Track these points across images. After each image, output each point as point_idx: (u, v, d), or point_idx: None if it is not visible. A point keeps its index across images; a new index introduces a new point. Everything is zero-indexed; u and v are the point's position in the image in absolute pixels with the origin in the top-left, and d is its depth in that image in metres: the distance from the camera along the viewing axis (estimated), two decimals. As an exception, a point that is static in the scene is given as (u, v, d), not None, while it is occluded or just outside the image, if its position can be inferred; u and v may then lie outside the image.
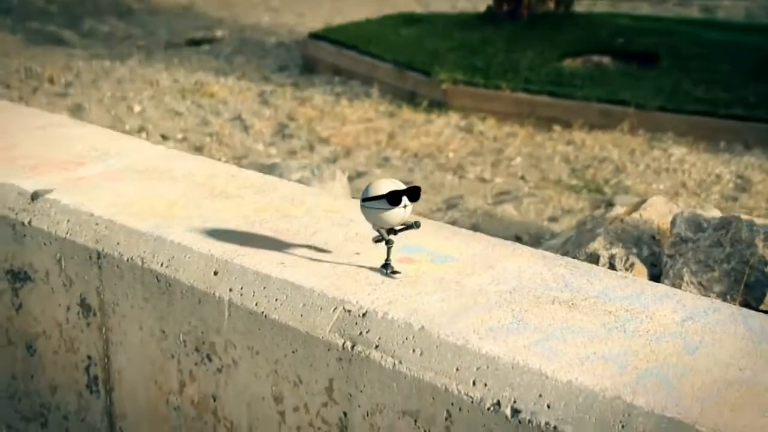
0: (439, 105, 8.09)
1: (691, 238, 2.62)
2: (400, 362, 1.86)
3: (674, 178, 6.27)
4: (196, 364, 2.21)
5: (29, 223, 2.49)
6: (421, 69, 8.56)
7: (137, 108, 8.31)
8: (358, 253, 2.19)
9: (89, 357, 2.44)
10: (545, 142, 7.11)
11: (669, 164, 6.53)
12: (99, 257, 2.35)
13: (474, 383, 1.78)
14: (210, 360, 2.18)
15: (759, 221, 2.54)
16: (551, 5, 10.50)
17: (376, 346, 1.90)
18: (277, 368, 2.06)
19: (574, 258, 2.79)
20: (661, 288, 2.04)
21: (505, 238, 3.52)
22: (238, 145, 7.21)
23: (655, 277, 2.67)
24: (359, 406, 1.94)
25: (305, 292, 2.04)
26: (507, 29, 9.89)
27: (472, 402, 1.77)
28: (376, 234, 2.07)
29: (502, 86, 7.92)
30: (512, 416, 1.71)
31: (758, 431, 1.55)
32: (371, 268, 2.12)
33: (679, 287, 2.59)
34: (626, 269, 2.64)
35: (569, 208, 5.64)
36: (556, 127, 7.42)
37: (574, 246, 2.85)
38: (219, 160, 6.69)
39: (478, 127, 7.56)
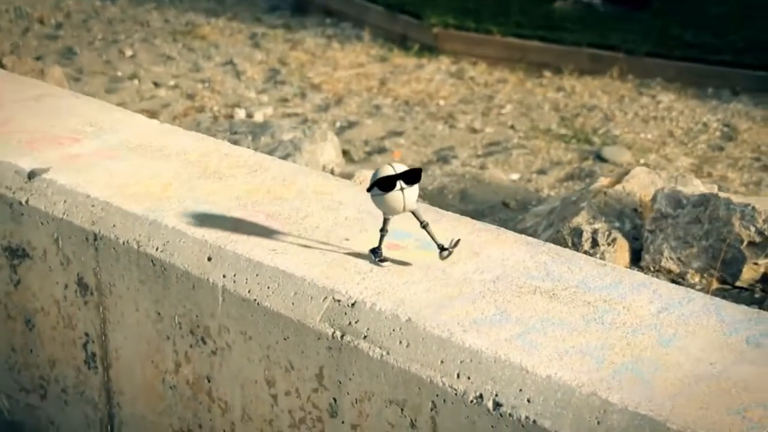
0: (430, 49, 8.11)
1: (671, 215, 2.70)
2: (388, 353, 1.94)
3: (662, 126, 6.33)
4: (191, 346, 2.29)
5: (26, 202, 2.56)
6: (412, 12, 8.56)
7: (129, 52, 8.32)
8: (347, 239, 2.26)
9: (87, 334, 2.52)
10: (535, 89, 7.15)
11: (657, 112, 6.59)
12: (95, 239, 2.42)
13: (458, 376, 1.86)
14: (204, 343, 2.26)
15: (736, 199, 2.61)
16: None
17: (365, 337, 1.98)
18: (269, 353, 2.14)
19: (558, 232, 2.88)
20: (639, 277, 2.11)
21: (493, 203, 3.62)
22: (230, 92, 7.25)
23: (637, 251, 2.75)
24: (348, 393, 2.02)
25: (296, 281, 2.11)
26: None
27: (455, 394, 1.85)
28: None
29: (493, 31, 7.93)
30: (494, 409, 1.80)
31: (725, 429, 1.63)
32: (360, 255, 2.18)
33: (660, 262, 2.67)
34: (608, 244, 2.71)
35: (558, 160, 5.70)
36: (547, 73, 7.47)
37: (559, 218, 2.92)
38: (211, 109, 6.74)
39: (468, 72, 7.59)
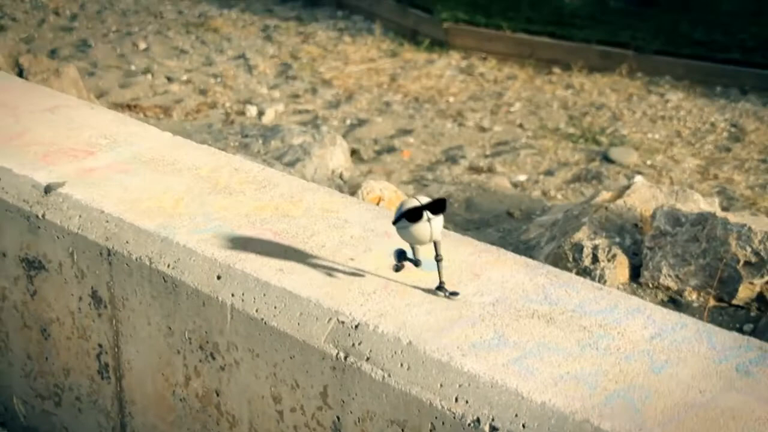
0: (440, 44, 8.16)
1: (669, 232, 2.76)
2: (389, 375, 2.02)
3: (669, 126, 6.38)
4: (200, 360, 2.37)
5: (43, 216, 2.63)
6: (422, 6, 8.61)
7: (142, 45, 8.39)
8: (352, 259, 2.33)
9: (100, 345, 2.60)
10: (544, 86, 7.20)
11: (665, 111, 6.63)
12: (109, 254, 2.49)
13: (456, 399, 1.93)
14: (213, 358, 2.33)
15: (733, 219, 2.67)
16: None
17: (367, 358, 2.05)
18: (275, 371, 2.21)
19: (560, 247, 2.94)
20: (634, 301, 2.18)
21: (498, 213, 3.69)
22: (242, 87, 7.31)
23: (637, 267, 2.81)
24: (351, 412, 2.09)
25: (302, 302, 2.18)
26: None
27: (454, 417, 1.92)
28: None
29: (503, 26, 7.98)
30: (490, 433, 1.87)
31: (712, 457, 1.70)
32: (364, 275, 2.26)
33: (658, 279, 2.73)
34: (608, 260, 2.78)
35: (565, 161, 5.76)
36: (556, 69, 7.52)
37: (561, 232, 2.99)
38: (223, 105, 6.81)
39: (478, 68, 7.65)
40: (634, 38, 7.57)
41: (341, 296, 2.19)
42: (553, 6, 8.52)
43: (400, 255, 2.19)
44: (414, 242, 2.11)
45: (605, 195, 3.05)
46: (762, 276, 2.62)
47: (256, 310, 2.22)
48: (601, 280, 2.75)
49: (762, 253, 2.61)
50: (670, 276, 2.72)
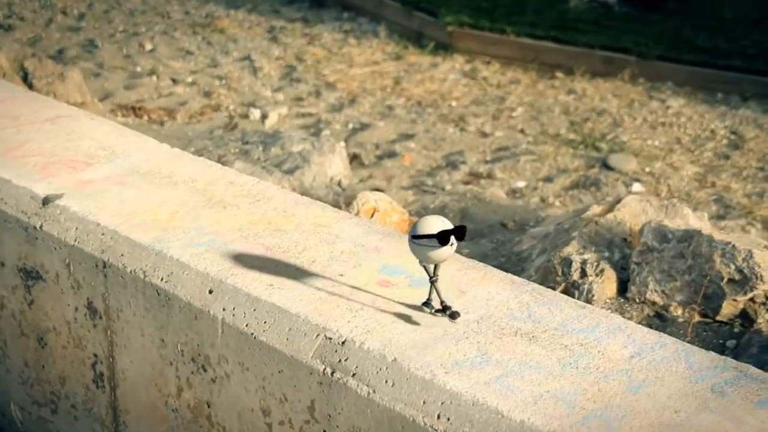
0: (444, 47, 8.21)
1: (656, 248, 2.81)
2: (374, 391, 2.07)
3: (669, 133, 6.41)
4: (192, 372, 2.42)
5: (40, 227, 2.69)
6: (427, 9, 8.65)
7: (148, 46, 8.44)
8: (341, 274, 2.38)
9: (95, 355, 2.66)
10: (547, 91, 7.24)
11: (666, 117, 6.67)
12: (105, 266, 2.55)
13: (438, 417, 1.98)
14: (205, 370, 2.39)
15: (718, 236, 2.72)
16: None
17: (353, 374, 2.10)
18: (264, 385, 2.26)
19: (549, 261, 2.99)
20: (616, 320, 2.22)
21: (492, 223, 3.73)
22: (246, 90, 7.36)
23: (624, 281, 2.86)
24: (337, 427, 2.14)
25: (291, 317, 2.23)
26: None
27: (436, 434, 1.97)
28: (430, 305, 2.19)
29: (507, 30, 8.02)
30: (470, 450, 1.92)
31: (683, 478, 1.75)
32: (352, 291, 2.30)
33: (645, 294, 2.78)
34: (596, 275, 2.82)
35: (564, 167, 5.80)
36: (559, 74, 7.55)
37: (552, 246, 3.03)
38: (227, 108, 6.86)
39: (482, 72, 7.69)
40: (636, 44, 7.61)
41: (329, 312, 2.24)
42: (557, 11, 8.56)
43: (446, 309, 2.18)
44: (427, 261, 2.12)
45: (596, 209, 3.10)
46: (745, 293, 2.67)
47: (246, 325, 2.27)
48: (589, 294, 2.80)
49: (745, 271, 2.66)
50: (656, 291, 2.77)
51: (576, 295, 2.83)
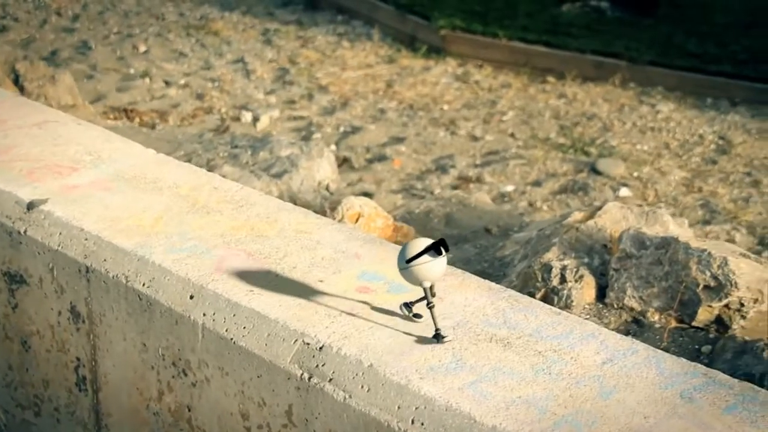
0: (437, 51, 8.24)
1: (634, 255, 2.84)
2: (350, 396, 2.10)
3: (658, 138, 6.45)
4: (173, 376, 2.45)
5: (25, 232, 2.72)
6: (421, 13, 8.68)
7: (142, 48, 8.47)
8: (321, 281, 2.41)
9: (78, 359, 2.69)
10: (538, 95, 7.28)
11: (655, 122, 6.71)
12: (87, 271, 2.58)
13: (412, 422, 2.01)
14: (186, 375, 2.42)
15: (694, 244, 2.75)
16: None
17: (330, 380, 2.13)
18: (243, 389, 2.29)
19: (530, 267, 3.02)
20: (589, 327, 2.26)
21: (476, 229, 3.76)
22: (239, 92, 7.39)
23: (603, 287, 2.89)
24: (315, 431, 2.18)
25: (270, 323, 2.26)
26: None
27: (410, 439, 2.00)
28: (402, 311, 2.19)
29: (499, 34, 8.05)
30: (443, 455, 1.95)
31: (650, 483, 1.78)
32: (331, 298, 2.33)
33: (623, 300, 2.81)
34: (575, 281, 2.86)
35: (553, 172, 5.84)
36: (550, 78, 7.59)
37: (533, 252, 3.07)
38: (219, 110, 6.89)
39: (474, 76, 7.73)
40: (628, 48, 7.65)
41: (308, 318, 2.27)
42: (549, 15, 8.60)
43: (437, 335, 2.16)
44: (430, 278, 2.11)
45: (577, 215, 3.13)
46: (720, 300, 2.70)
47: (226, 330, 2.30)
48: (568, 300, 2.83)
49: (720, 278, 2.69)
50: (634, 297, 2.80)
51: (555, 301, 2.86)
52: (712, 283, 2.70)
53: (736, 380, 2.06)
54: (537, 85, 7.47)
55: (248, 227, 2.66)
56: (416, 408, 2.02)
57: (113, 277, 2.51)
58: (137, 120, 6.45)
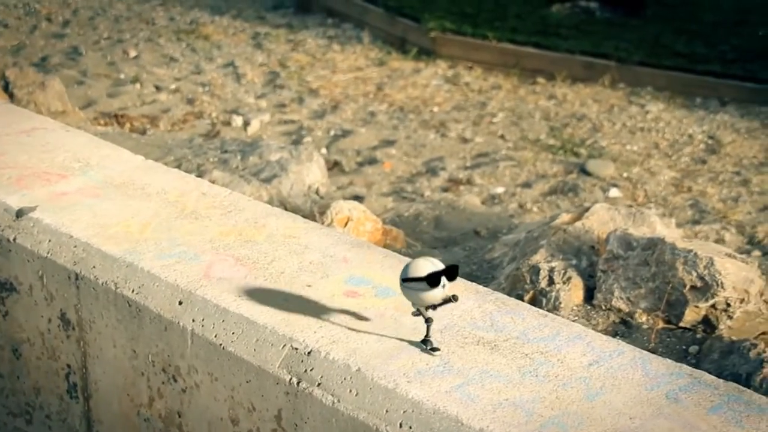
0: (427, 53, 8.25)
1: (622, 256, 2.86)
2: (339, 401, 2.11)
3: (648, 138, 6.47)
4: (163, 383, 2.46)
5: (14, 240, 2.73)
6: (411, 15, 8.69)
7: (133, 53, 8.46)
8: (309, 285, 2.43)
9: (69, 366, 2.70)
10: (528, 96, 7.29)
11: (645, 123, 6.72)
12: (77, 278, 2.59)
13: (400, 425, 2.03)
14: (175, 381, 2.43)
15: (680, 245, 2.77)
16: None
17: (319, 384, 2.15)
18: (233, 394, 2.31)
19: (518, 269, 3.03)
20: (576, 329, 2.27)
21: (466, 231, 3.77)
22: (230, 96, 7.40)
23: (591, 288, 2.90)
24: (303, 435, 2.19)
25: (258, 328, 2.27)
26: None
27: (397, 442, 2.02)
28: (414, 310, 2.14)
29: (489, 36, 8.07)
30: (430, 458, 1.96)
31: (636, 484, 1.80)
32: (319, 302, 2.35)
33: (610, 301, 2.83)
34: (563, 282, 2.87)
35: (543, 173, 5.85)
36: (540, 79, 7.60)
37: (521, 254, 3.08)
38: (210, 115, 6.90)
39: (464, 78, 7.74)
40: (617, 49, 7.66)
41: (296, 323, 2.28)
42: (539, 16, 8.61)
43: (426, 342, 2.16)
44: (421, 303, 2.10)
45: (564, 217, 3.15)
46: (706, 300, 2.72)
47: (215, 336, 2.31)
48: (557, 301, 2.85)
49: (706, 278, 2.71)
50: (621, 298, 2.81)
51: (543, 303, 2.87)
52: (699, 284, 2.72)
53: (721, 381, 2.08)
54: (527, 87, 7.49)
55: (236, 232, 2.67)
56: (404, 411, 2.03)
57: (102, 283, 2.52)
58: (128, 125, 6.45)
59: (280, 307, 2.34)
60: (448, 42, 8.26)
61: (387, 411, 2.05)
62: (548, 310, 2.78)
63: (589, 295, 2.90)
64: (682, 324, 2.76)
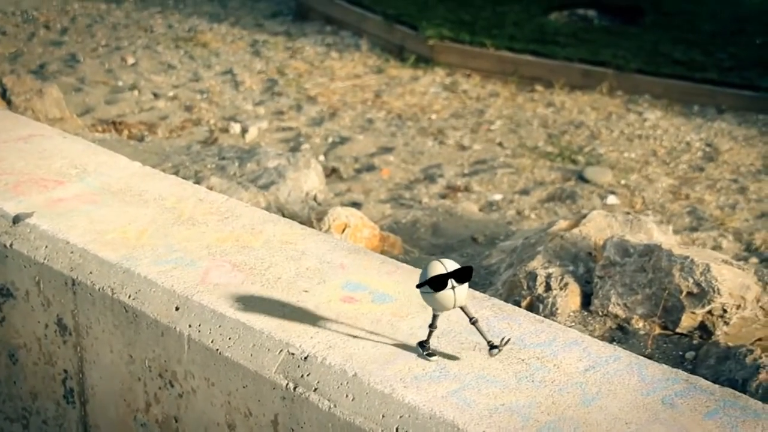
0: (425, 61, 8.26)
1: (618, 262, 2.86)
2: (335, 405, 2.11)
3: (646, 145, 6.48)
4: (159, 388, 2.46)
5: (11, 245, 2.73)
6: (409, 23, 8.70)
7: (131, 60, 8.47)
8: (306, 291, 2.43)
9: (65, 371, 2.70)
10: (526, 104, 7.30)
11: (642, 130, 6.73)
12: (74, 284, 2.59)
13: (397, 430, 2.03)
14: (172, 386, 2.43)
15: (677, 251, 2.77)
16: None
17: (315, 389, 2.15)
18: (230, 399, 2.31)
19: (515, 275, 3.04)
20: (572, 334, 2.27)
21: (463, 238, 3.78)
22: (228, 103, 7.41)
23: (588, 294, 2.90)
24: (300, 440, 2.19)
25: (255, 333, 2.28)
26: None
27: (394, 447, 2.02)
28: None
29: (487, 44, 8.08)
30: (427, 463, 1.96)
31: (632, 489, 1.80)
32: (316, 308, 2.35)
33: (607, 308, 2.83)
34: (560, 288, 2.87)
35: (541, 180, 5.86)
36: (538, 87, 7.61)
37: (518, 260, 3.08)
38: (208, 122, 6.90)
39: (462, 85, 7.75)
40: (615, 57, 7.68)
41: (293, 328, 2.28)
42: (536, 24, 8.63)
43: (422, 346, 2.16)
44: (437, 308, 2.10)
45: (562, 224, 3.15)
46: (703, 306, 2.72)
47: (212, 341, 2.31)
48: (553, 307, 2.85)
49: (703, 285, 2.71)
50: (618, 304, 2.82)
51: (540, 309, 2.88)
52: (695, 290, 2.72)
53: (717, 386, 2.08)
54: (525, 94, 7.50)
55: (233, 239, 2.67)
56: (400, 416, 2.03)
57: (99, 289, 2.52)
58: (125, 132, 6.45)
59: (276, 312, 2.34)
60: (446, 49, 8.27)
61: (383, 416, 2.05)
62: (545, 316, 2.79)
63: (586, 302, 2.90)
64: (678, 330, 2.76)
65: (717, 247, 4.67)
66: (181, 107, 7.32)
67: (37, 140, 3.29)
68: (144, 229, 2.71)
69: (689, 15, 8.70)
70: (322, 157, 6.27)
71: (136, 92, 7.60)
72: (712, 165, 6.13)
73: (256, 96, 7.62)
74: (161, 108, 7.28)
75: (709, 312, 2.73)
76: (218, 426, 2.35)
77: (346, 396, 2.11)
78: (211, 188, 3.67)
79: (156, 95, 7.57)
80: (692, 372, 2.40)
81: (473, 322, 2.13)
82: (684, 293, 2.72)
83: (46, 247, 2.67)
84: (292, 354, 2.21)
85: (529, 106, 7.25)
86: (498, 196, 5.58)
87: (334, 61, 8.47)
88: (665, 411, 2.01)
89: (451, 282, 2.05)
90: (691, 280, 2.71)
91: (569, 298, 2.88)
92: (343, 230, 3.40)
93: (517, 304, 2.92)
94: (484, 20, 8.72)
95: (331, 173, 5.88)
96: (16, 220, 2.76)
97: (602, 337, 2.73)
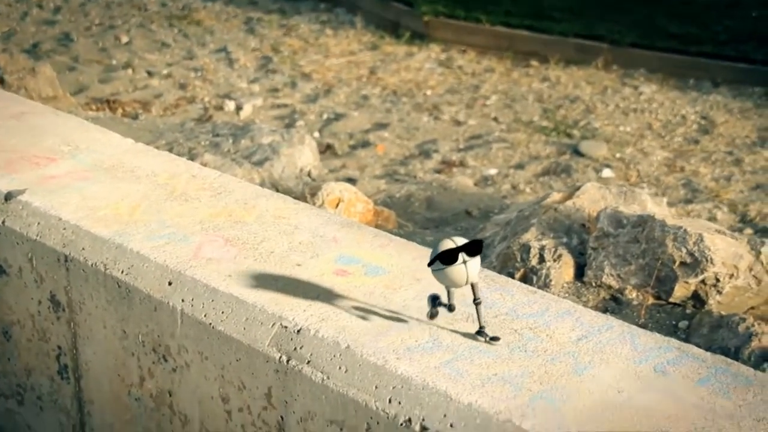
0: (420, 37, 8.24)
1: (612, 233, 2.86)
2: (328, 378, 2.11)
3: (641, 119, 6.47)
4: (153, 362, 2.46)
5: (3, 222, 2.72)
6: (403, -1, 8.69)
7: (124, 39, 8.45)
8: (299, 264, 2.42)
9: (59, 347, 2.70)
10: (521, 79, 7.29)
11: (638, 104, 6.73)
12: (66, 260, 2.58)
13: (390, 401, 2.03)
14: (166, 360, 2.43)
15: (670, 221, 2.77)
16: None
17: (308, 362, 2.15)
18: (223, 373, 2.31)
19: (509, 248, 3.04)
20: (564, 304, 2.27)
21: (457, 211, 3.78)
22: (222, 81, 7.39)
23: (582, 266, 2.91)
24: (294, 412, 2.19)
25: (248, 307, 2.27)
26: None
27: (387, 418, 2.02)
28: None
29: (482, 19, 8.06)
30: (420, 433, 1.97)
31: (624, 456, 1.80)
32: (308, 281, 2.35)
33: (601, 278, 2.83)
34: (554, 260, 2.87)
35: (536, 154, 5.86)
36: (534, 62, 7.60)
37: (512, 233, 3.08)
38: (202, 99, 6.89)
39: (457, 61, 7.73)
40: (610, 31, 7.66)
41: (285, 301, 2.28)
42: (531, -1, 8.61)
43: (434, 300, 2.14)
44: (449, 285, 2.07)
45: (555, 196, 3.15)
46: (696, 276, 2.72)
47: (205, 315, 2.31)
48: (547, 279, 2.85)
49: (696, 254, 2.71)
50: (611, 275, 2.82)
51: (534, 281, 2.88)
52: (688, 260, 2.72)
53: (709, 353, 2.08)
54: (520, 69, 7.49)
55: (226, 214, 2.67)
56: (393, 387, 2.03)
57: (92, 265, 2.52)
58: (119, 111, 6.44)
59: (269, 286, 2.34)
60: (441, 26, 8.25)
61: (376, 387, 2.05)
62: (539, 288, 2.79)
63: (580, 273, 2.90)
64: (671, 300, 2.77)
65: (712, 219, 4.68)
66: (176, 85, 7.30)
67: (29, 118, 3.28)
68: (136, 205, 2.71)
69: (684, -12, 8.67)
70: (317, 134, 6.26)
71: (129, 71, 7.59)
72: (707, 138, 6.13)
73: (251, 73, 7.60)
74: (155, 86, 7.27)
75: (702, 281, 2.73)
76: (212, 399, 2.36)
77: (339, 368, 2.11)
78: (204, 165, 3.66)
79: (150, 73, 7.56)
80: (685, 341, 2.40)
81: (477, 302, 2.11)
82: (677, 263, 2.72)
83: (39, 223, 2.66)
84: (285, 327, 2.21)
85: (525, 81, 7.24)
86: (493, 171, 5.58)
87: (329, 38, 8.45)
88: (657, 378, 2.01)
89: (462, 256, 2.01)
90: (684, 250, 2.71)
91: (563, 270, 2.88)
92: (337, 205, 3.40)
93: (511, 276, 2.92)
94: (479, -6, 8.70)
95: (326, 150, 5.88)
96: (9, 197, 2.76)
97: (596, 308, 2.73)
